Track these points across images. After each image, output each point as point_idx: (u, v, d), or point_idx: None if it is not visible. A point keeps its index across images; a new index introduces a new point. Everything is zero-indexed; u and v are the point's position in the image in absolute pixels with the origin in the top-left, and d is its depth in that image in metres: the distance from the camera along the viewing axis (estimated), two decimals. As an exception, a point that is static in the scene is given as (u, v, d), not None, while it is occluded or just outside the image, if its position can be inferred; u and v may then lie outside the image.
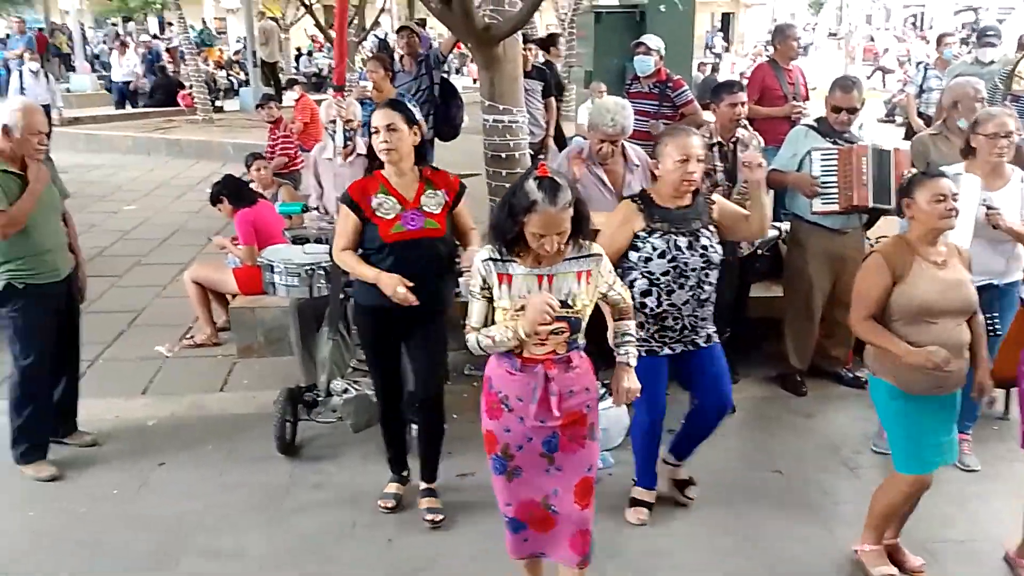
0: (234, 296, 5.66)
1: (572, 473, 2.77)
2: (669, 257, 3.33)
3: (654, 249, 3.33)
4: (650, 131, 5.92)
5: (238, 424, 4.55)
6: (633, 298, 3.20)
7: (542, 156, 7.65)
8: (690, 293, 3.38)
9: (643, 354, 3.33)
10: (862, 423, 4.45)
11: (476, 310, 2.73)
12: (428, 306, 3.39)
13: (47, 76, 12.27)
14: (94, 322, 5.21)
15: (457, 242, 3.59)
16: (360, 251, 3.43)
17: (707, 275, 3.39)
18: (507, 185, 6.08)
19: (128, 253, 7.98)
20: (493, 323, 2.72)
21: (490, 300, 2.70)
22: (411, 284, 3.27)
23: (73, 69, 20.83)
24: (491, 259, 2.68)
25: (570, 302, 2.65)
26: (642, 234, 3.35)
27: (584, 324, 2.73)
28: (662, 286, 3.36)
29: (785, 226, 5.08)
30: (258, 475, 4.07)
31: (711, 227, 3.43)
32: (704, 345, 3.49)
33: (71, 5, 22.61)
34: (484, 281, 2.69)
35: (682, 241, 3.34)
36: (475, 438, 4.31)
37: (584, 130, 9.44)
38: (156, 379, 5.27)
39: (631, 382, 2.90)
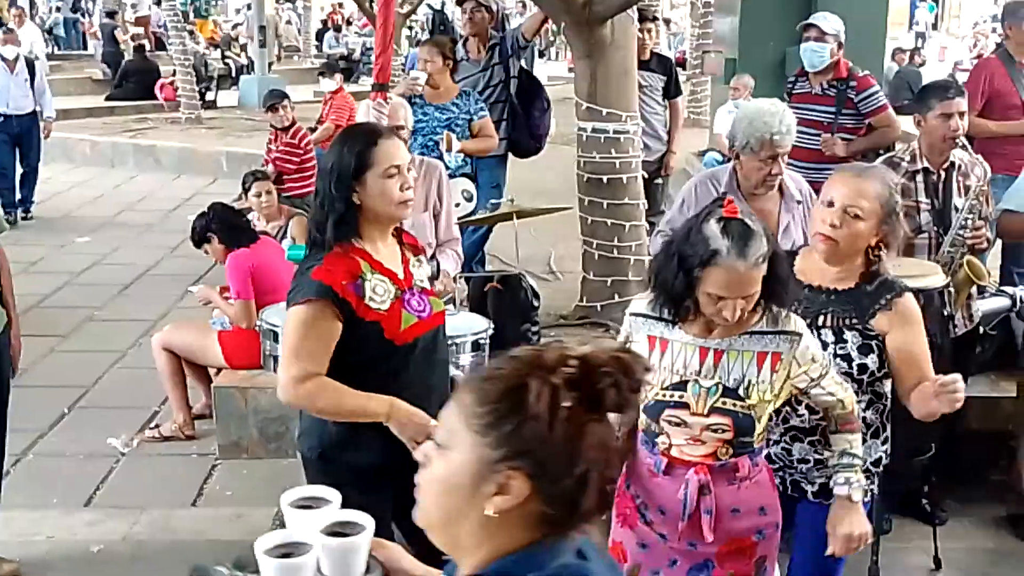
0: (219, 371, 5.76)
1: None
2: None
3: None
4: (821, 150, 5.89)
5: (218, 554, 4.57)
6: None
7: (658, 181, 7.67)
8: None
9: None
10: None
11: None
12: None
13: (31, 69, 10.95)
14: (25, 400, 5.33)
15: None
16: (338, 374, 3.00)
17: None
18: (608, 221, 6.26)
19: (76, 303, 8.22)
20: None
21: None
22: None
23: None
24: (643, 315, 2.85)
25: (742, 392, 2.74)
26: None
27: (761, 426, 2.79)
28: None
29: (1022, 292, 4.94)
30: (242, 632, 4.08)
31: (852, 332, 3.14)
32: (814, 498, 3.24)
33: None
34: (627, 340, 2.87)
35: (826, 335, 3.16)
36: None
37: (722, 141, 9.52)
38: (106, 485, 5.36)
39: (853, 525, 2.91)
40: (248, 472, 5.42)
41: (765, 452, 3.10)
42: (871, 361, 3.10)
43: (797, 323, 2.82)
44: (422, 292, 3.16)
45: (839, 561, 3.23)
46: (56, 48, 26.06)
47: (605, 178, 6.16)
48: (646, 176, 6.67)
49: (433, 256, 4.51)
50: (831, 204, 3.08)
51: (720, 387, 2.74)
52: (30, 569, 4.48)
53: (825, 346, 3.07)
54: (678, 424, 2.77)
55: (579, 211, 6.35)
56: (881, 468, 3.29)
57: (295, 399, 3.02)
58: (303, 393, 2.97)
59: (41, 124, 10.98)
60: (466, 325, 4.43)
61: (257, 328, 4.91)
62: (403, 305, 3.06)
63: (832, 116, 5.99)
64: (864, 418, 3.15)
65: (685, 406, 2.75)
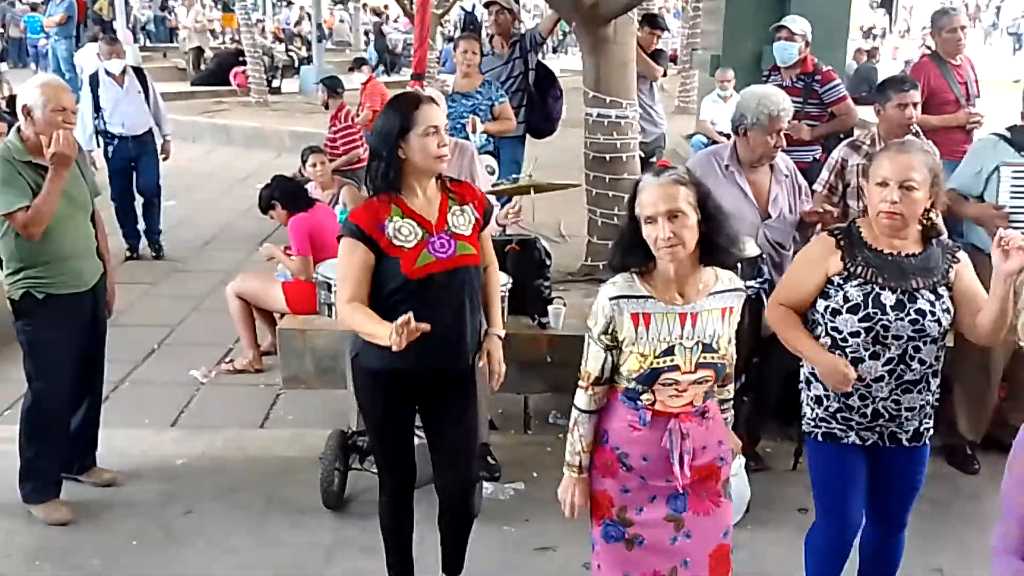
0: (282, 315, 5.77)
1: (705, 539, 2.81)
2: (862, 315, 2.99)
3: (846, 301, 3.02)
4: (791, 134, 5.81)
5: (279, 468, 4.62)
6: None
7: (653, 159, 7.60)
8: (887, 368, 3.02)
9: (820, 438, 3.17)
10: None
11: (592, 359, 2.73)
12: (464, 363, 3.25)
13: (143, 82, 8.13)
14: (121, 337, 5.38)
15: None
16: (371, 299, 3.11)
17: (917, 349, 3.01)
18: (610, 193, 6.24)
19: (164, 256, 8.25)
20: (615, 374, 2.73)
21: (614, 348, 2.70)
22: (424, 327, 2.86)
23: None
24: (621, 296, 2.66)
25: (715, 345, 2.68)
26: (836, 279, 3.05)
27: (727, 371, 2.79)
28: (849, 351, 3.06)
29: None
30: (299, 531, 4.11)
31: (943, 288, 3.01)
32: (907, 444, 3.15)
33: (115, -35, 23.61)
34: (609, 324, 2.67)
35: (887, 297, 2.98)
36: (559, 503, 4.29)
37: (707, 127, 9.43)
38: (188, 409, 5.41)
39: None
40: (306, 400, 5.45)
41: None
42: (951, 310, 3.02)
43: (740, 282, 2.80)
44: (452, 236, 3.13)
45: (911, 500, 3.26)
46: (148, 41, 26.00)
47: (608, 156, 6.13)
48: (643, 155, 6.62)
49: None
50: (884, 183, 2.94)
51: (700, 345, 2.66)
52: (125, 478, 4.53)
53: (933, 304, 2.97)
54: (671, 384, 2.67)
55: (585, 184, 6.31)
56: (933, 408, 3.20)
57: (339, 316, 3.17)
58: (343, 312, 3.10)
59: (159, 144, 8.28)
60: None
61: (314, 280, 4.89)
62: (426, 246, 3.08)
63: (800, 105, 5.90)
64: (932, 365, 3.09)
65: (676, 368, 2.65)
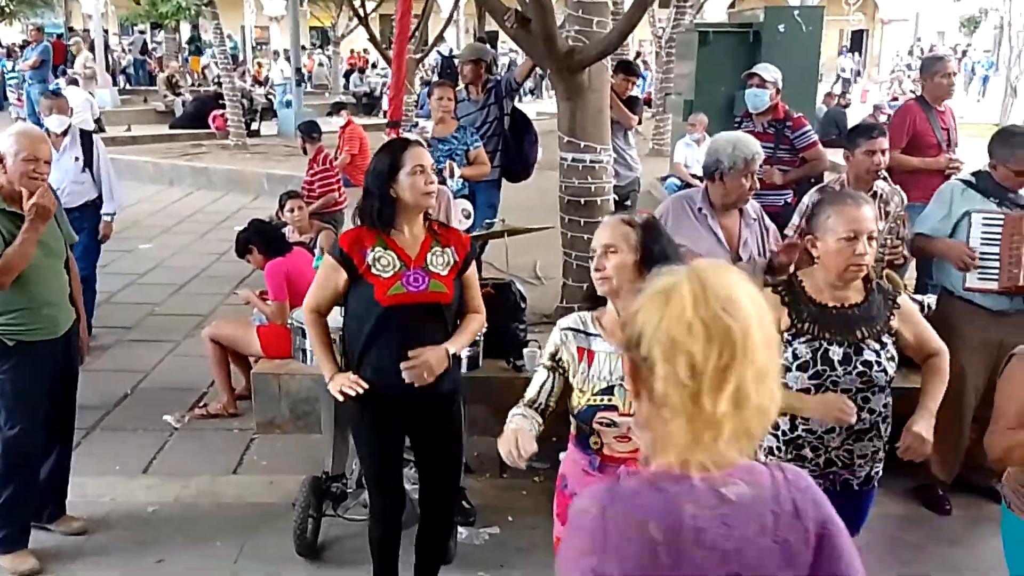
0: (257, 359, 5.72)
1: None
2: (812, 372, 3.01)
3: (795, 358, 3.02)
4: (763, 178, 5.86)
5: (253, 515, 4.57)
6: None
7: (627, 203, 7.65)
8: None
9: None
10: None
11: (535, 383, 2.84)
12: (436, 390, 3.39)
13: (86, 146, 6.64)
14: (93, 382, 5.32)
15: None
16: (348, 317, 3.45)
17: (867, 400, 3.04)
18: (585, 236, 6.24)
19: (139, 300, 8.18)
20: (547, 403, 2.81)
21: (560, 374, 2.79)
22: (365, 387, 3.29)
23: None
24: (572, 329, 2.78)
25: None
26: (785, 335, 3.01)
27: None
28: None
29: (931, 300, 4.92)
30: (273, 581, 4.05)
31: (886, 336, 3.06)
32: (857, 488, 3.16)
33: (94, 9, 23.70)
34: (556, 352, 2.78)
35: (835, 352, 3.00)
36: (537, 548, 4.26)
37: (680, 169, 9.51)
38: (161, 455, 5.33)
39: None
40: (280, 445, 5.39)
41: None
42: (895, 357, 3.06)
43: None
44: (427, 274, 3.33)
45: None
46: (128, 84, 26.12)
47: (582, 200, 6.15)
48: (617, 199, 6.65)
49: None
50: (854, 237, 2.93)
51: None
52: (95, 526, 4.46)
53: (878, 354, 2.99)
54: (608, 425, 2.69)
55: (560, 227, 6.33)
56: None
57: (305, 320, 3.52)
58: (306, 320, 3.49)
59: (102, 222, 6.69)
60: (464, 324, 4.42)
61: (289, 325, 4.87)
62: (400, 278, 3.30)
63: (771, 150, 5.98)
64: (882, 413, 3.12)
65: (614, 408, 2.68)
